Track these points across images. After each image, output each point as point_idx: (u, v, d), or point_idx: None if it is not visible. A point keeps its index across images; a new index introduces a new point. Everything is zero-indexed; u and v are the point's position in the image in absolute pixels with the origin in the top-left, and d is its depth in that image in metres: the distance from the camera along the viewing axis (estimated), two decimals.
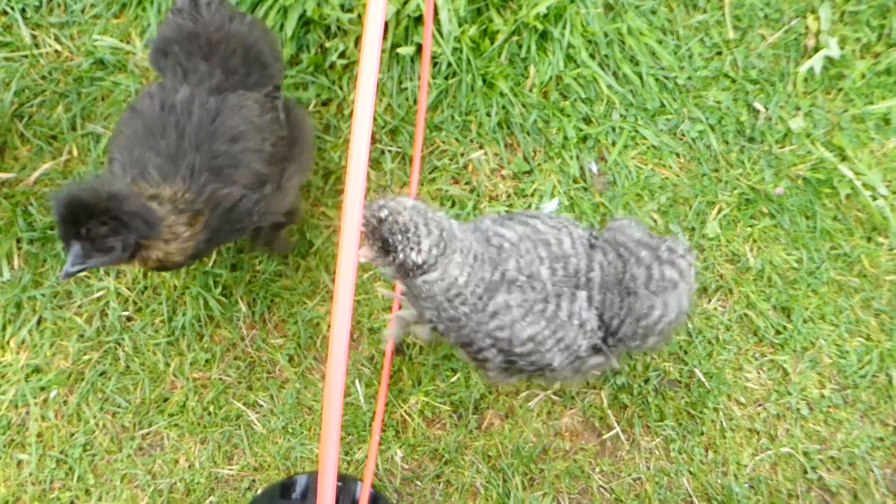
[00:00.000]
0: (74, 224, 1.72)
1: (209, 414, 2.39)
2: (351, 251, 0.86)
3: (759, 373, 2.51)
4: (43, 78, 2.64)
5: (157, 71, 2.07)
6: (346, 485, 2.16)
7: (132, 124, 1.95)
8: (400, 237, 1.63)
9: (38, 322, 2.44)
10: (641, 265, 1.88)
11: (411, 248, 1.64)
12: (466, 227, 1.85)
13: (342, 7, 2.60)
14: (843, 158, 2.69)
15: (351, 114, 2.62)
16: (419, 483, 2.35)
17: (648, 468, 2.40)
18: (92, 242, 1.74)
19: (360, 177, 0.92)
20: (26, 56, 2.66)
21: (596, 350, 1.92)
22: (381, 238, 1.64)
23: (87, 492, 2.31)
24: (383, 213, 1.63)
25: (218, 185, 1.93)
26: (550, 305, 1.82)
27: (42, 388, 2.39)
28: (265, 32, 2.19)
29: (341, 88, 2.63)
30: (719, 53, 2.79)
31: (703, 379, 2.47)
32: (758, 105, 2.74)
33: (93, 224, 1.72)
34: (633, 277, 1.87)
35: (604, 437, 2.42)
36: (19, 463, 2.33)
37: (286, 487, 2.12)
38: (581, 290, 1.87)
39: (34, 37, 2.69)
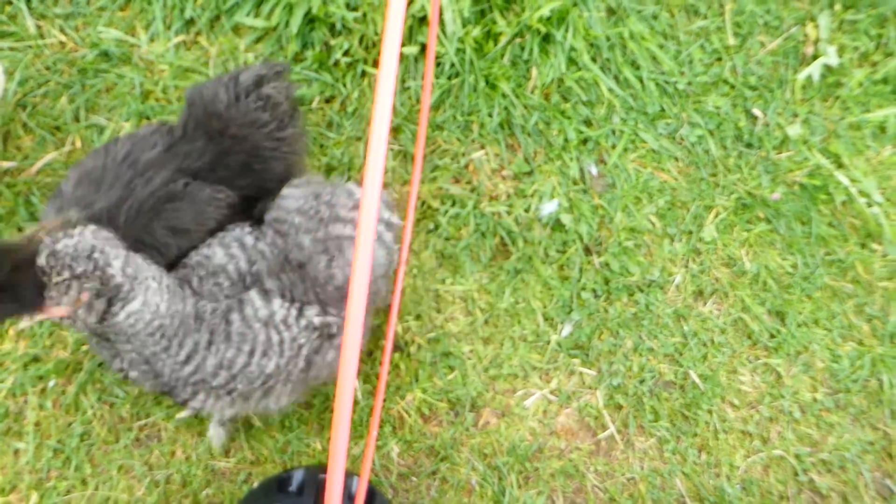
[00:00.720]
0: None
1: None
2: (368, 239, 0.88)
3: (752, 376, 2.54)
4: (47, 68, 2.64)
5: None
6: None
7: (82, 167, 1.85)
8: (89, 260, 1.48)
9: None
10: (301, 232, 1.77)
11: (107, 266, 1.50)
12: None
13: (347, 6, 2.62)
14: (840, 165, 2.72)
15: (354, 112, 2.65)
16: (415, 479, 2.37)
17: (642, 468, 2.42)
18: None
19: (378, 173, 0.94)
20: (31, 46, 2.66)
21: (326, 330, 1.81)
22: (68, 266, 1.48)
23: (84, 482, 2.31)
24: (61, 246, 1.49)
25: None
26: (222, 325, 1.72)
27: (40, 378, 2.39)
28: (293, 152, 2.02)
29: (345, 86, 2.65)
30: (719, 59, 2.82)
31: (697, 381, 2.50)
32: (756, 111, 2.77)
33: None
34: (300, 247, 1.77)
35: (599, 436, 2.44)
36: (16, 452, 2.33)
37: (283, 481, 2.12)
38: (250, 288, 1.75)
39: (39, 27, 2.69)
